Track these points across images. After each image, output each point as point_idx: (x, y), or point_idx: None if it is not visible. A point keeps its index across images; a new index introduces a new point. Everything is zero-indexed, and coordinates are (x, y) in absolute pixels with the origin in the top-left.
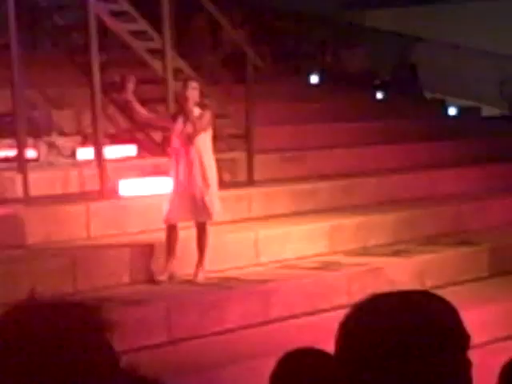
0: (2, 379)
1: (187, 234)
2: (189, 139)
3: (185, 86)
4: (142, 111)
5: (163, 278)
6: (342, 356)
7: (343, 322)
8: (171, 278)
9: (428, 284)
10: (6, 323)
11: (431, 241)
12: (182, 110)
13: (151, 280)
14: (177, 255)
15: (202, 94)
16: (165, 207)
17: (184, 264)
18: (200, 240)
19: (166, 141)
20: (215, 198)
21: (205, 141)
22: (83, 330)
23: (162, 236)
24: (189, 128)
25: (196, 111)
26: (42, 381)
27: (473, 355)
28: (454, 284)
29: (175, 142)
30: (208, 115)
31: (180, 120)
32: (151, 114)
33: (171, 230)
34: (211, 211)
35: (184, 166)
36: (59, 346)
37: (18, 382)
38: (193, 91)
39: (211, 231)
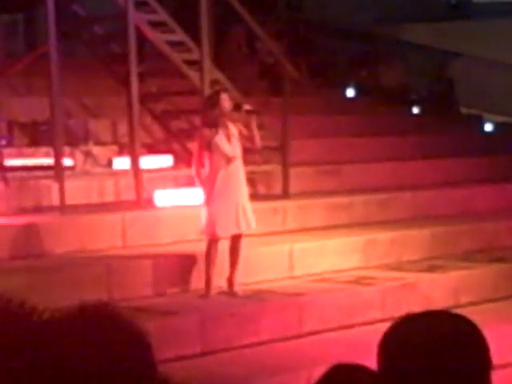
0: None
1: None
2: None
3: (220, 100)
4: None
5: (214, 292)
6: (383, 375)
7: (381, 342)
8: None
9: (462, 300)
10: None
11: (466, 257)
12: (214, 123)
13: (202, 295)
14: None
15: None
16: (211, 222)
17: (216, 276)
18: (234, 252)
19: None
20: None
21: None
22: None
23: (196, 247)
24: (235, 144)
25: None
26: None
27: (508, 373)
28: (489, 301)
29: (216, 156)
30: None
31: (220, 134)
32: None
33: (215, 243)
34: (253, 220)
35: (232, 177)
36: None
37: None
38: (228, 102)
39: (243, 243)
